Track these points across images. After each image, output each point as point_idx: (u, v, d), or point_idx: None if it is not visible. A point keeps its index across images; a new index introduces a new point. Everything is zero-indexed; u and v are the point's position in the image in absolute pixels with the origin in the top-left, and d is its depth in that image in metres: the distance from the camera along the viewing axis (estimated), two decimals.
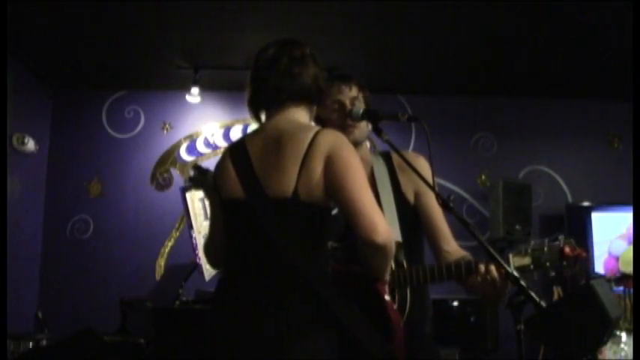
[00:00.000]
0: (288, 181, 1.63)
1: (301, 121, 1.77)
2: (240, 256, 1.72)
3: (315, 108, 1.86)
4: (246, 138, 1.81)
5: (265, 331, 1.58)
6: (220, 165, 1.80)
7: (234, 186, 1.71)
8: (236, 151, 1.77)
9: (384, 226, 1.56)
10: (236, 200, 1.71)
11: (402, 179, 2.05)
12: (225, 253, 1.78)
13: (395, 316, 1.69)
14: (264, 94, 1.79)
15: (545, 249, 1.72)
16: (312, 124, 1.83)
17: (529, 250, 1.74)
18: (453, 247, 1.99)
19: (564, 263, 1.69)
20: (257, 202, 1.67)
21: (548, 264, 1.71)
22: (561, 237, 1.72)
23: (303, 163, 1.63)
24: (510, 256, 1.75)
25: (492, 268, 1.70)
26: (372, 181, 2.01)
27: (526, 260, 1.73)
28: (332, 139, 1.66)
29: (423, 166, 1.95)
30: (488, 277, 1.70)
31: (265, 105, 1.81)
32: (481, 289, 1.74)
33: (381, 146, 2.10)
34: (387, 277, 1.71)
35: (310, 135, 1.66)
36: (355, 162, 1.64)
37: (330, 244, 1.96)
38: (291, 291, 1.61)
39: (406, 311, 1.86)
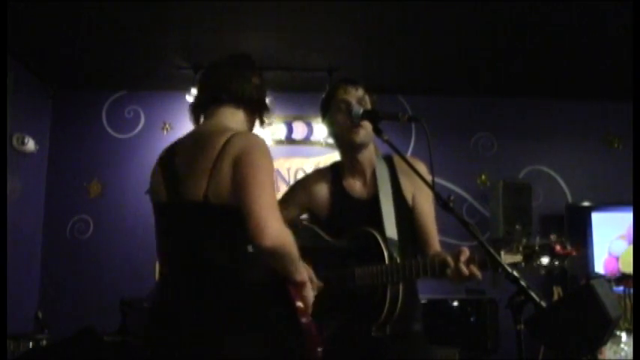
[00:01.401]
0: (200, 184, 1.65)
1: (227, 125, 1.77)
2: (167, 259, 1.75)
3: (255, 116, 1.90)
4: (177, 142, 1.84)
5: (185, 331, 1.62)
6: (153, 169, 1.84)
7: (161, 190, 1.75)
8: (165, 155, 1.80)
9: (275, 229, 1.55)
10: (161, 203, 1.75)
11: (403, 182, 2.11)
12: (158, 256, 1.82)
13: (305, 320, 1.68)
14: (206, 94, 1.83)
15: (537, 248, 1.74)
16: (243, 128, 1.84)
17: (520, 248, 1.76)
18: (436, 250, 2.06)
19: (555, 263, 1.71)
20: (175, 206, 1.70)
21: (538, 262, 1.73)
22: (553, 236, 1.74)
23: (214, 165, 1.64)
24: (502, 253, 1.78)
25: (462, 267, 1.75)
26: (373, 182, 2.09)
27: (517, 258, 1.76)
28: (244, 141, 1.67)
29: (422, 171, 1.99)
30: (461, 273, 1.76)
31: (206, 106, 1.83)
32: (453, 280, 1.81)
33: (381, 146, 2.11)
34: (298, 277, 1.70)
35: (225, 138, 1.67)
36: (262, 164, 1.64)
37: (327, 238, 1.99)
38: (203, 294, 1.63)
39: (397, 308, 1.89)
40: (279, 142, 5.29)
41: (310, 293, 1.75)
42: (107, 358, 3.64)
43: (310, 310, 1.75)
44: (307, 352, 1.65)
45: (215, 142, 1.67)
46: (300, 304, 1.69)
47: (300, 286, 1.72)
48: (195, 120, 1.87)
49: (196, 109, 1.87)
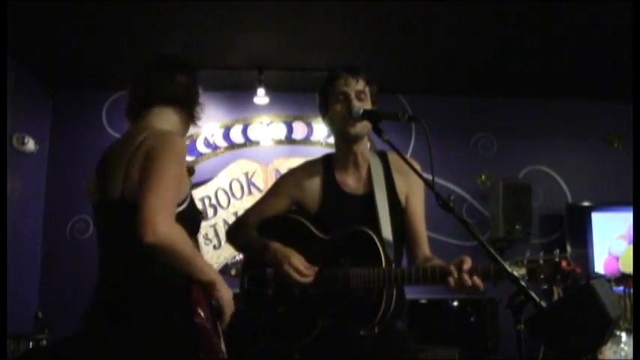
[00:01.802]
0: (118, 184, 1.70)
1: (154, 125, 1.80)
2: (99, 256, 1.81)
3: (187, 114, 1.91)
4: (112, 143, 1.88)
5: (90, 324, 1.74)
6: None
7: (94, 190, 1.84)
8: (101, 157, 1.85)
9: (159, 226, 1.54)
10: (94, 203, 1.84)
11: (397, 180, 2.09)
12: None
13: (199, 321, 1.65)
14: (134, 97, 1.86)
15: (541, 262, 1.74)
16: (174, 128, 1.86)
17: (525, 262, 1.75)
18: (426, 253, 2.06)
19: (558, 277, 1.72)
20: (101, 205, 1.77)
21: (542, 276, 1.73)
22: (556, 251, 1.74)
23: (129, 164, 1.69)
24: (507, 265, 1.75)
25: (465, 277, 1.75)
26: (367, 178, 2.08)
27: (521, 272, 1.75)
28: (156, 139, 1.70)
29: (416, 175, 1.99)
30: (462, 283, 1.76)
31: (136, 109, 1.87)
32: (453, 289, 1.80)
33: (381, 146, 2.10)
34: (202, 277, 1.68)
35: (141, 138, 1.71)
36: (164, 161, 1.65)
37: (318, 234, 1.98)
38: (109, 291, 1.72)
39: (391, 308, 1.90)
40: (279, 142, 5.29)
41: (224, 294, 1.72)
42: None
43: (228, 310, 1.74)
44: (202, 352, 1.64)
45: (134, 142, 1.72)
46: (199, 307, 1.66)
47: (209, 286, 1.70)
48: (130, 122, 1.90)
49: (128, 113, 1.90)
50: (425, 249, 2.08)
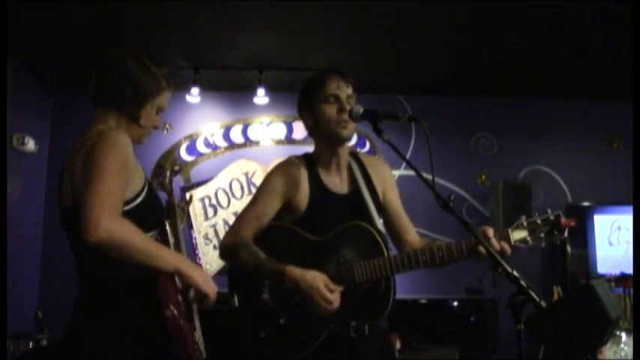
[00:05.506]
0: (69, 190, 1.67)
1: (99, 127, 1.77)
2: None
3: (126, 116, 1.84)
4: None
5: (67, 326, 1.71)
6: None
7: (56, 198, 1.79)
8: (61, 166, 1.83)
9: (102, 223, 1.50)
10: (59, 211, 1.78)
11: (373, 178, 2.15)
12: None
13: (168, 313, 1.62)
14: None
15: (539, 221, 1.89)
16: (115, 126, 1.82)
17: (525, 224, 1.90)
18: (414, 237, 2.17)
19: (555, 233, 1.87)
20: (61, 215, 1.75)
21: (542, 235, 1.89)
22: (549, 210, 1.90)
23: (73, 169, 1.66)
24: (510, 230, 1.90)
25: (493, 241, 1.84)
26: (350, 177, 2.12)
27: (524, 233, 1.89)
28: (93, 139, 1.67)
29: (388, 171, 2.20)
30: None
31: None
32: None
33: (381, 146, 2.11)
34: (166, 267, 1.64)
35: (82, 140, 1.69)
36: (103, 157, 1.61)
37: (312, 237, 1.97)
38: (79, 297, 1.71)
39: (390, 302, 1.92)
40: (279, 142, 5.29)
41: (196, 277, 1.66)
42: None
43: (208, 291, 1.67)
44: (175, 345, 1.62)
45: (77, 147, 1.70)
46: (168, 300, 1.62)
47: (177, 275, 1.65)
48: None
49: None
50: (415, 235, 2.17)
